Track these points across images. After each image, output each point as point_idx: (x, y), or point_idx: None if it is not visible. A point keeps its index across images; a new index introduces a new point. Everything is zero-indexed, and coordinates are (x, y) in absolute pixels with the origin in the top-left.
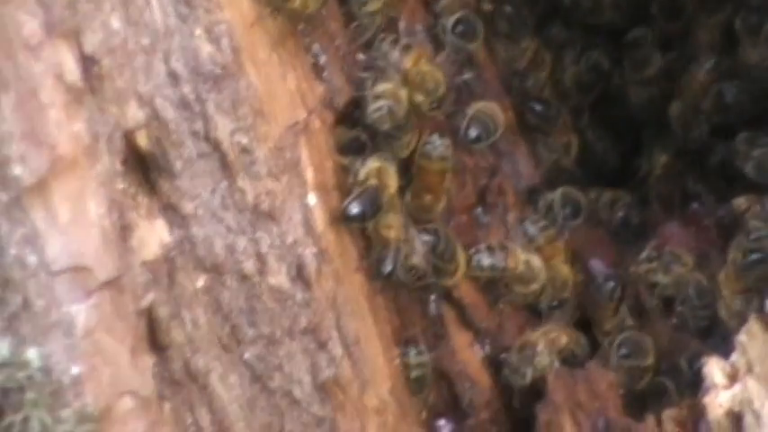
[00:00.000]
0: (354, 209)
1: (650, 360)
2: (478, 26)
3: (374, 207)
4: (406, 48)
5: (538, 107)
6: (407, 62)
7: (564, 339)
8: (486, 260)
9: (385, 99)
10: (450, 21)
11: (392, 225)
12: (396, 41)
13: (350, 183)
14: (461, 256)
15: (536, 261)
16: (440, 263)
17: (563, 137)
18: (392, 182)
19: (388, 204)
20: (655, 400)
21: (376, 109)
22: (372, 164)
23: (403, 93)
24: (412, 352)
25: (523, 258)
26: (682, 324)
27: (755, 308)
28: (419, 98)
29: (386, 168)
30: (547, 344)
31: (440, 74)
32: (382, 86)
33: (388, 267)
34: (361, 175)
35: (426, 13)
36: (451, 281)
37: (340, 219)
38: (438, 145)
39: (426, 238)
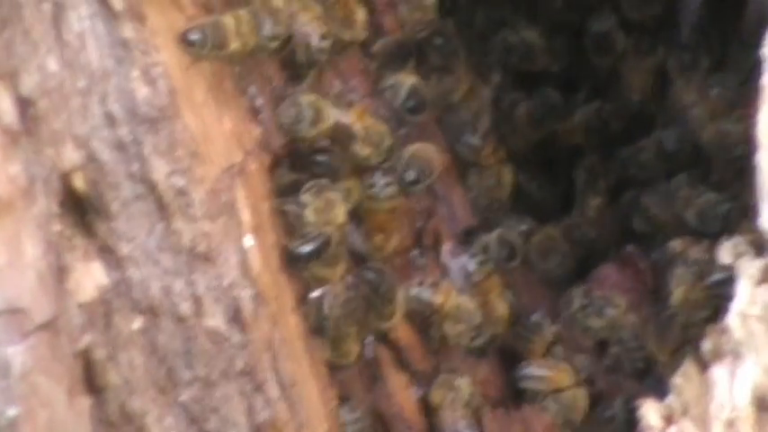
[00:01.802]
0: (304, 250)
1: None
2: (427, 96)
3: (323, 250)
4: (349, 104)
5: (469, 139)
6: (351, 117)
7: (466, 392)
8: (418, 294)
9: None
10: (402, 94)
11: (336, 266)
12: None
13: (296, 219)
14: (401, 299)
15: (468, 301)
16: (378, 304)
17: (495, 168)
18: (341, 214)
19: (336, 246)
20: None
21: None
22: (317, 202)
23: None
24: (345, 410)
25: (455, 297)
26: (616, 366)
27: (691, 350)
28: (366, 151)
29: (332, 201)
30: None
31: (384, 126)
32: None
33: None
34: (310, 215)
35: (365, 63)
36: (388, 323)
37: (287, 259)
38: (383, 185)
39: (370, 275)
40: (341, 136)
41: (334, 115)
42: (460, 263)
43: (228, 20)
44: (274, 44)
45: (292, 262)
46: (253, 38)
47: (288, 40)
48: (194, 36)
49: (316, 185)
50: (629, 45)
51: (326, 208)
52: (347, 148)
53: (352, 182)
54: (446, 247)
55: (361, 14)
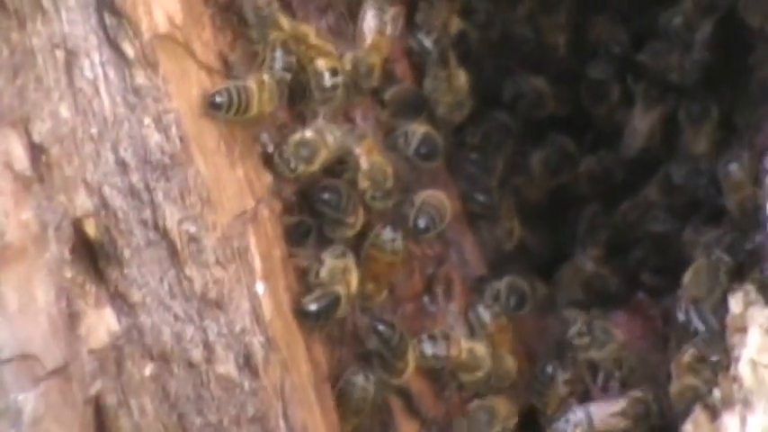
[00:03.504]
0: (313, 307)
1: None
2: (440, 143)
3: (333, 310)
4: (361, 136)
5: (480, 197)
6: (361, 148)
7: None
8: (428, 349)
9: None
10: (414, 141)
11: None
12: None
13: (311, 280)
14: (411, 356)
15: (480, 349)
16: (390, 357)
17: (506, 223)
18: (354, 282)
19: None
20: None
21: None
22: (335, 262)
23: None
24: None
25: (467, 346)
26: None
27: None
28: (365, 184)
29: (349, 268)
30: None
31: (389, 168)
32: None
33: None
34: (324, 274)
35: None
36: (398, 380)
37: (296, 313)
38: (392, 238)
39: (382, 328)
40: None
41: (341, 141)
42: (473, 312)
43: (252, 85)
44: (287, 76)
45: (301, 317)
46: (271, 105)
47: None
48: (220, 99)
49: (339, 249)
50: (638, 91)
51: (343, 272)
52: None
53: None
54: (457, 295)
55: (377, 61)
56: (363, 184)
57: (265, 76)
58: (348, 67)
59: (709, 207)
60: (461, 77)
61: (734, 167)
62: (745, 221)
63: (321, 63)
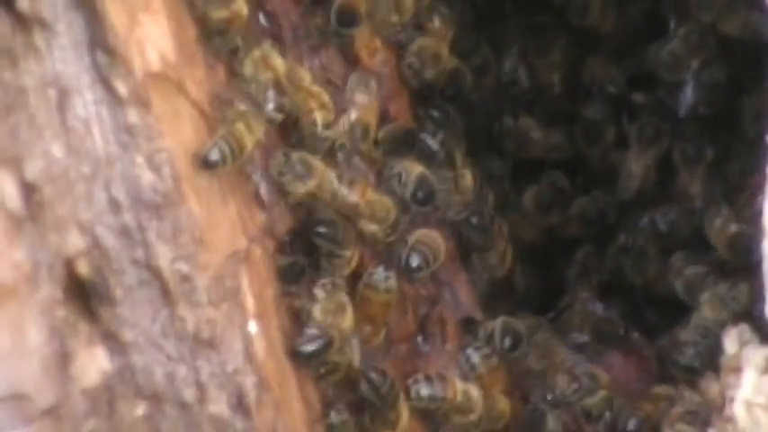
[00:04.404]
0: (308, 349)
1: None
2: (435, 187)
3: (325, 351)
4: (351, 182)
5: (474, 220)
6: (355, 196)
7: None
8: (424, 390)
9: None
10: (410, 185)
11: (340, 363)
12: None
13: (303, 313)
14: (404, 408)
15: (474, 391)
16: (382, 406)
17: (500, 246)
18: (347, 325)
19: (340, 344)
20: None
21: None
22: (331, 303)
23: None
24: None
25: (462, 388)
26: None
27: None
28: (372, 228)
29: (343, 306)
30: None
31: (387, 200)
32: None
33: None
34: (318, 313)
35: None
36: None
37: (290, 354)
38: (385, 277)
39: (373, 376)
40: (345, 211)
41: (329, 180)
42: (463, 354)
43: (239, 126)
44: (279, 117)
45: (294, 357)
46: (261, 129)
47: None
48: (214, 157)
49: (331, 282)
50: (632, 131)
51: (336, 311)
52: (353, 222)
53: (355, 254)
54: (450, 335)
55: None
56: (371, 228)
57: (249, 111)
58: (345, 128)
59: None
60: (468, 177)
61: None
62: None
63: (319, 116)
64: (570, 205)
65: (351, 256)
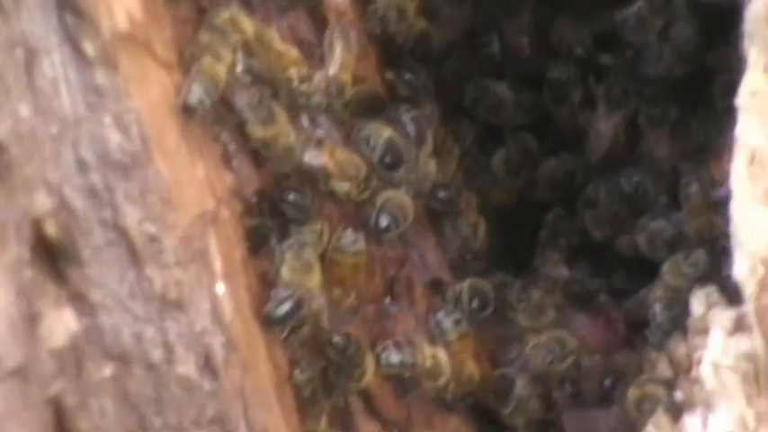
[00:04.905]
0: (280, 312)
1: None
2: (403, 151)
3: (296, 313)
4: (319, 141)
5: (441, 193)
6: (323, 157)
7: None
8: (394, 357)
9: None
10: (378, 150)
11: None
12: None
13: (272, 274)
14: (370, 362)
15: (443, 355)
16: (348, 367)
17: (470, 218)
18: (315, 283)
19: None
20: None
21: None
22: (298, 262)
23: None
24: None
25: (431, 353)
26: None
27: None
28: (344, 187)
29: (310, 265)
30: None
31: (356, 157)
32: None
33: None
34: (286, 273)
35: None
36: (357, 386)
37: (262, 319)
38: (353, 240)
39: (337, 339)
40: (314, 176)
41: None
42: (433, 319)
43: (207, 59)
44: (248, 79)
45: (267, 323)
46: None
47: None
48: (192, 101)
49: (297, 243)
50: (600, 92)
51: (303, 269)
52: (324, 186)
53: (324, 225)
54: (419, 297)
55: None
56: (343, 187)
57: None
58: (321, 86)
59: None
60: (431, 165)
61: (694, 190)
62: (701, 245)
63: (294, 71)
64: (539, 167)
65: (320, 229)
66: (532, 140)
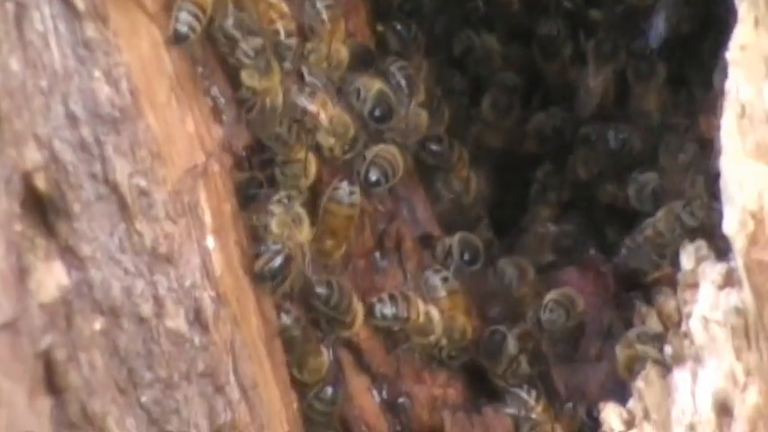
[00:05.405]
0: (268, 270)
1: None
2: (394, 103)
3: (286, 268)
4: (311, 93)
5: (434, 146)
6: (316, 106)
7: None
8: (387, 310)
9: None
10: (369, 102)
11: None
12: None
13: (261, 228)
14: (358, 307)
15: (435, 313)
16: (335, 315)
17: (462, 173)
18: (304, 236)
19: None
20: None
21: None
22: (287, 216)
23: None
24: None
25: (423, 310)
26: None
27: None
28: (330, 141)
29: (299, 218)
30: None
31: (347, 117)
32: None
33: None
34: (275, 226)
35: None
36: (349, 332)
37: (254, 277)
38: (350, 191)
39: (320, 290)
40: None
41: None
42: (426, 275)
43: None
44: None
45: (257, 280)
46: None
47: None
48: (183, 29)
49: (286, 196)
50: (589, 47)
51: (292, 222)
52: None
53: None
54: (408, 251)
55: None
56: (329, 141)
57: None
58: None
59: None
60: (422, 116)
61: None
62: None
63: (280, 25)
64: (528, 121)
65: (304, 160)
66: (514, 78)
